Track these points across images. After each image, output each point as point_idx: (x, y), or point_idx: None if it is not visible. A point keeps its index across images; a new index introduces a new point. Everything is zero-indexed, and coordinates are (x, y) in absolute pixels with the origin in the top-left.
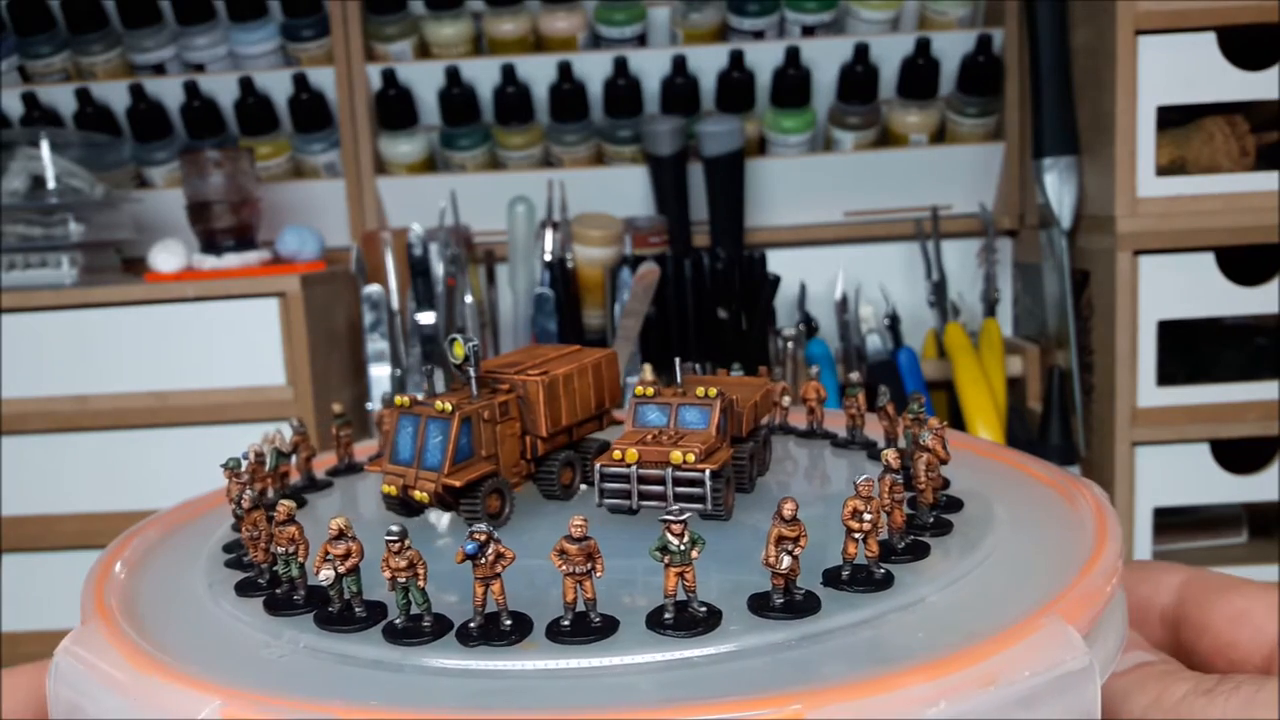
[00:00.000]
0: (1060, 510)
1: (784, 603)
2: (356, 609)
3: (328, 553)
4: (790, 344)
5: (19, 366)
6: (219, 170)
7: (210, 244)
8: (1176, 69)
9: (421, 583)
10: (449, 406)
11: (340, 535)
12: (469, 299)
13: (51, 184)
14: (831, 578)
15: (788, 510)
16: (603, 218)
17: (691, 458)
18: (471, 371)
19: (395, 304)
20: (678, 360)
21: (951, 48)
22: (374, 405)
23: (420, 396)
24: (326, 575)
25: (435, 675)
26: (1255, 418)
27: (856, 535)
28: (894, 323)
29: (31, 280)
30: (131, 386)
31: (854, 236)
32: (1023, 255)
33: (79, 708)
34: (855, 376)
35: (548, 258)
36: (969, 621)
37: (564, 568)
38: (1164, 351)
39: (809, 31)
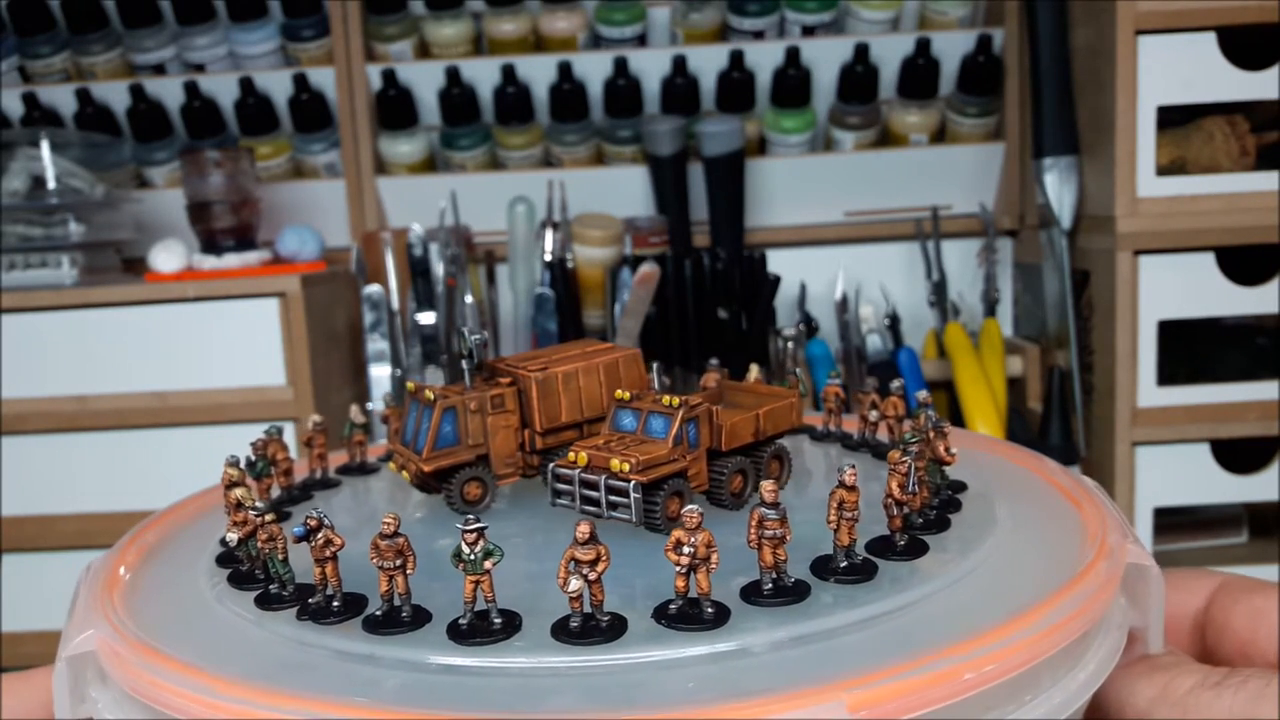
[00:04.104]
0: (1046, 544)
1: (580, 628)
2: (256, 571)
3: (234, 521)
4: (790, 344)
5: (19, 366)
6: (219, 170)
7: (210, 244)
8: (1176, 69)
9: (281, 556)
10: (432, 396)
11: (239, 505)
12: (469, 299)
13: (51, 184)
14: (660, 612)
15: (580, 533)
16: (603, 218)
17: (626, 467)
18: (465, 365)
19: (395, 304)
20: (656, 365)
21: (951, 48)
22: (374, 405)
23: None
24: (231, 538)
25: (271, 641)
26: (1255, 418)
27: (679, 569)
28: (894, 323)
29: (31, 280)
30: (132, 386)
31: (854, 236)
32: (1023, 255)
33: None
34: (923, 395)
35: (548, 258)
36: (763, 682)
37: (376, 562)
38: (1164, 351)
39: (809, 31)
